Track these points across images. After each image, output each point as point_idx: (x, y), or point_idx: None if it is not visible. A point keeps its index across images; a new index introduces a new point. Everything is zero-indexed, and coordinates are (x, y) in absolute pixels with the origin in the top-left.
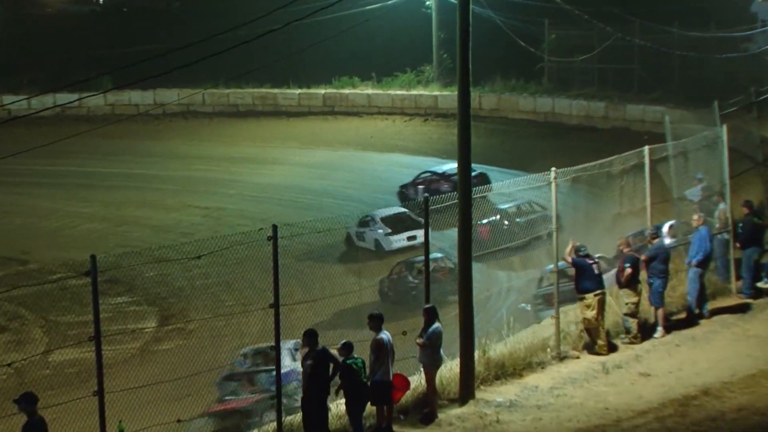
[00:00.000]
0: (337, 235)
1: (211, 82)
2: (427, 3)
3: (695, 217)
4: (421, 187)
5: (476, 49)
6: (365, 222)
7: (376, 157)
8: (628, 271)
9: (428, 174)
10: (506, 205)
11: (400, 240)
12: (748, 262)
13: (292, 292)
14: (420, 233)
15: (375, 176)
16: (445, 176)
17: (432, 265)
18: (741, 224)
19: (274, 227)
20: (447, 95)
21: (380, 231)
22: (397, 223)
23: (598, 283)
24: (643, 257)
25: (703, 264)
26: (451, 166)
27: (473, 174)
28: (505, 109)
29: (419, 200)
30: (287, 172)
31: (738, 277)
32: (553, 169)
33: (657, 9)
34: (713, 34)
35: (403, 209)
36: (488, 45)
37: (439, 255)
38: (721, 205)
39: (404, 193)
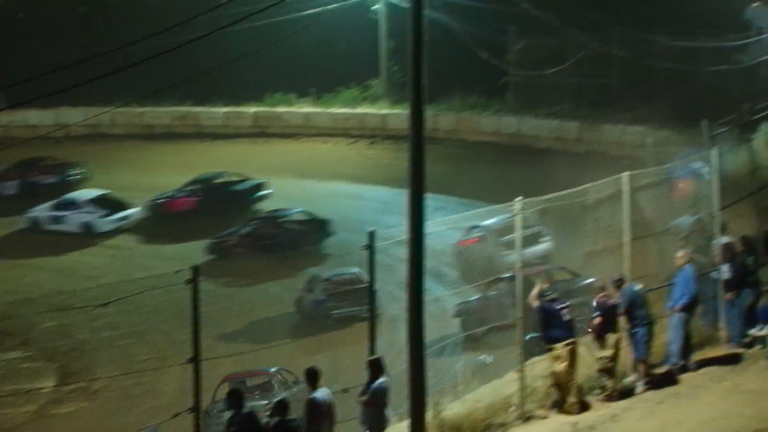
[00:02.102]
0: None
1: (122, 100)
2: (374, 8)
3: (680, 254)
4: (12, 181)
5: (431, 60)
6: (62, 205)
7: (316, 186)
8: (597, 320)
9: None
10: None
11: (113, 221)
12: (739, 307)
13: (215, 344)
14: (129, 213)
15: (315, 209)
16: (46, 167)
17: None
18: (732, 264)
19: (195, 269)
20: (397, 114)
21: (91, 213)
22: (107, 205)
23: (568, 330)
24: (621, 311)
25: (688, 308)
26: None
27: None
28: (464, 130)
29: (11, 194)
30: None
31: (728, 324)
32: (519, 199)
33: (639, 15)
34: (702, 44)
35: (104, 190)
36: (445, 56)
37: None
38: (723, 239)
39: None
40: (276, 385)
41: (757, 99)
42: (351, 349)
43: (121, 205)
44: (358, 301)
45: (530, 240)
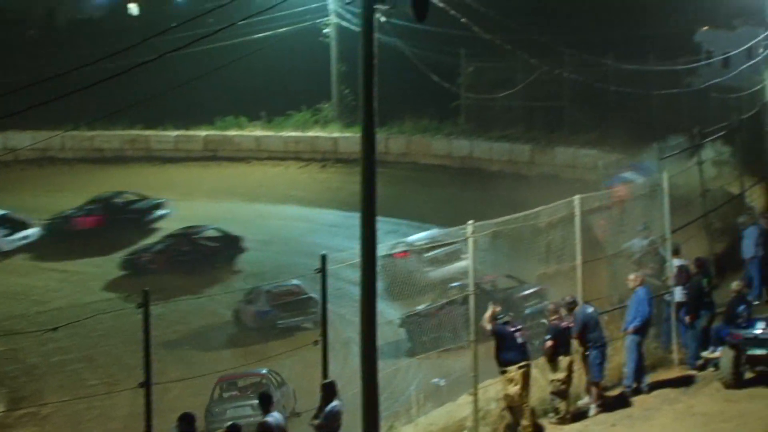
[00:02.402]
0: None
1: (71, 124)
2: (325, 31)
3: (632, 276)
4: None
5: (383, 83)
6: None
7: (267, 210)
8: (549, 343)
9: None
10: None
11: (15, 241)
12: (694, 329)
13: (166, 368)
14: (30, 233)
15: (266, 232)
16: None
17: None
18: (686, 286)
19: (145, 293)
20: (349, 137)
21: None
22: (8, 224)
23: (522, 353)
24: (575, 334)
25: (641, 330)
26: None
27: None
28: (416, 153)
29: None
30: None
31: (682, 346)
32: (471, 222)
33: (590, 39)
34: (653, 67)
35: (4, 210)
36: (397, 79)
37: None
38: (676, 261)
39: None
40: (268, 385)
41: (708, 122)
42: (300, 357)
43: (23, 225)
44: (302, 311)
45: (452, 257)
